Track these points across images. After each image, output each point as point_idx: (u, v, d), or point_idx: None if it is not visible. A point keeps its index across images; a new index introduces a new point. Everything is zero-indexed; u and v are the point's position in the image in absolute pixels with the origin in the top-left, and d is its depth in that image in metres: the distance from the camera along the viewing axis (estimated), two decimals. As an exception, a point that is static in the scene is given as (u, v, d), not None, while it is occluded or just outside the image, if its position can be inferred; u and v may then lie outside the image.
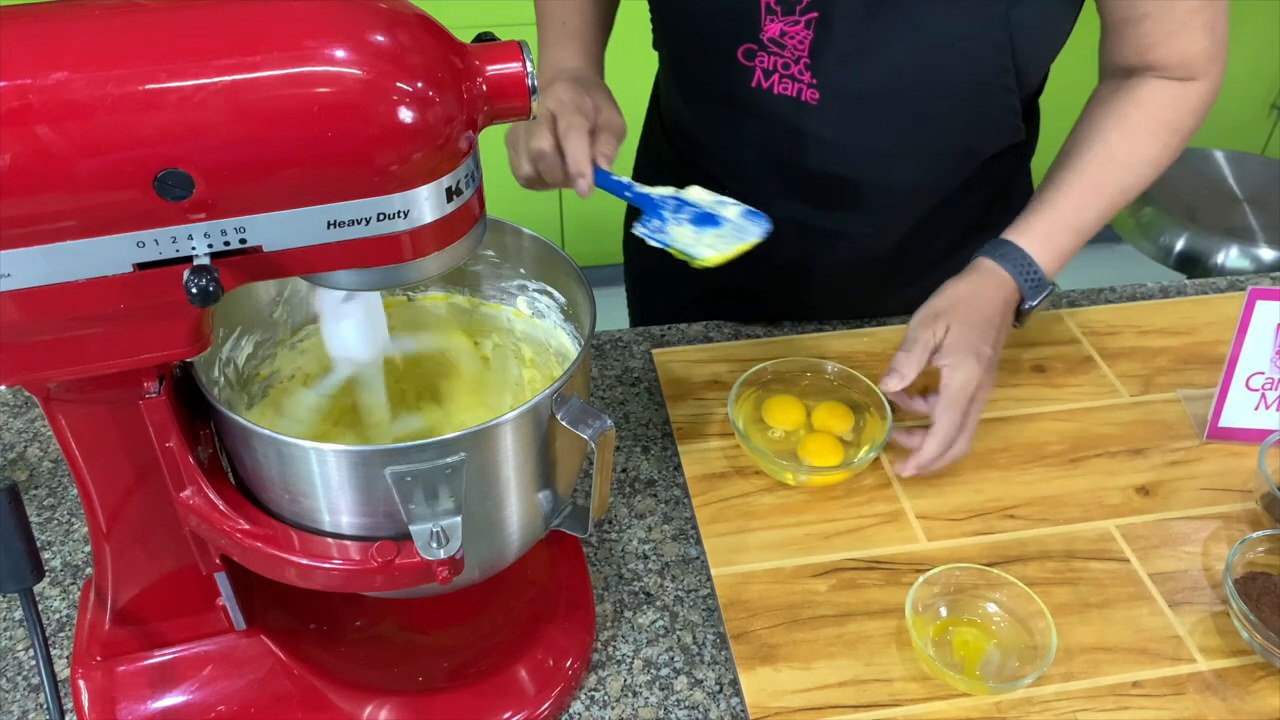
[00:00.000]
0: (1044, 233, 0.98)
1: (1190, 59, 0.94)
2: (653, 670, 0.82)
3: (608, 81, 1.02)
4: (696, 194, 0.88)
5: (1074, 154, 0.99)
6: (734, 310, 1.18)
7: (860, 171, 1.04)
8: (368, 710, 0.76)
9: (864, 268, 1.13)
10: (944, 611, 0.84)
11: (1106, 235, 2.61)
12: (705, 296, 1.22)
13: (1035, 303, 0.98)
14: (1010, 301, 0.97)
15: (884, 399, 0.98)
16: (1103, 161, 0.97)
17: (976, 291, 0.97)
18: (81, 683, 0.74)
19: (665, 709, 0.79)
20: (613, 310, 1.46)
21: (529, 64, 0.56)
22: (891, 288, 1.14)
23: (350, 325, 0.69)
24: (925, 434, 0.93)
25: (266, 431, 0.61)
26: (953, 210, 1.10)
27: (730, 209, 0.88)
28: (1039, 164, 1.10)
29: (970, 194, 1.10)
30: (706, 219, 0.87)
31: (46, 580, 0.88)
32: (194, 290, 0.52)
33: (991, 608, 0.83)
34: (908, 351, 0.94)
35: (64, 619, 0.85)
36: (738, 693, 0.80)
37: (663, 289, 1.29)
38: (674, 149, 1.18)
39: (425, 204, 0.55)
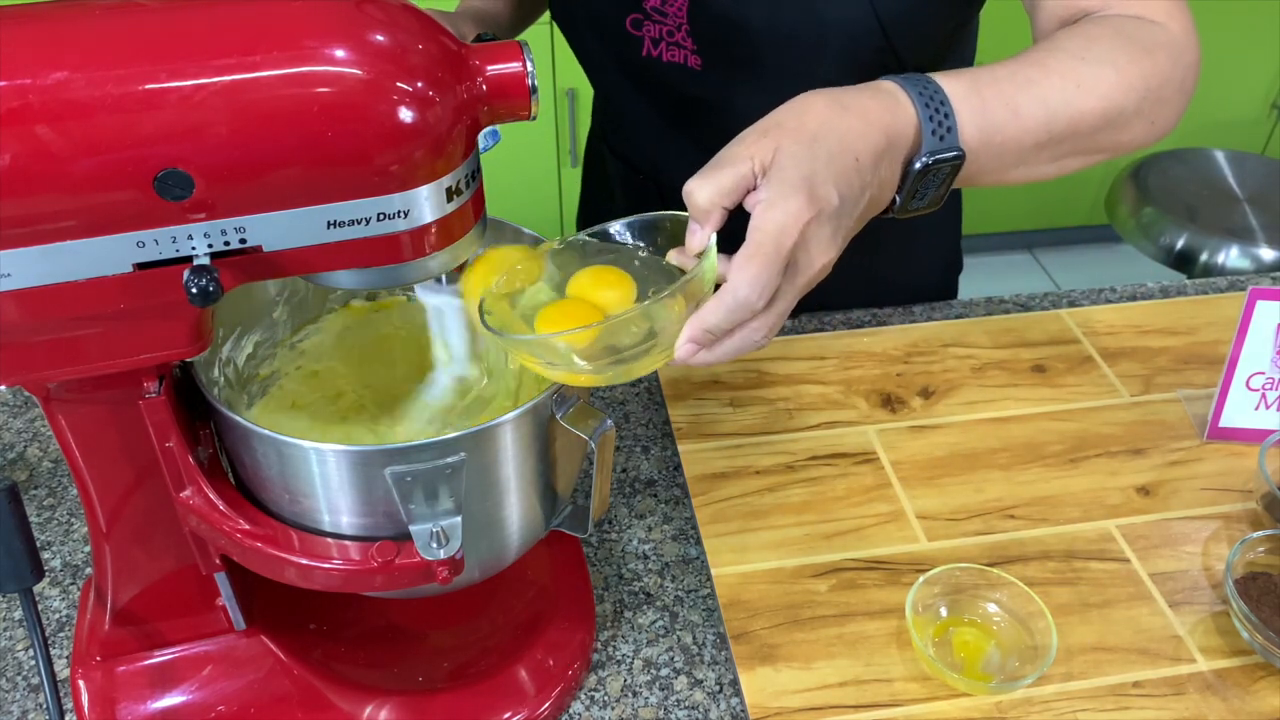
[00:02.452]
0: (969, 81, 0.72)
1: (1130, 5, 0.83)
2: (653, 670, 0.82)
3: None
4: None
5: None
6: None
7: None
8: (368, 710, 0.76)
9: None
10: (944, 612, 0.84)
11: (1106, 235, 2.61)
12: None
13: (932, 160, 0.69)
14: (898, 141, 0.69)
15: (709, 245, 0.64)
16: (1049, 51, 0.77)
17: (844, 106, 0.67)
18: (81, 683, 0.74)
19: (665, 709, 0.79)
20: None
21: (529, 64, 0.57)
22: None
23: None
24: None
25: (266, 431, 0.61)
26: None
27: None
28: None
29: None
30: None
31: (46, 580, 0.88)
32: (194, 290, 0.52)
33: (991, 608, 0.83)
34: (704, 177, 0.64)
35: (64, 619, 0.85)
36: (738, 693, 0.80)
37: None
38: (608, 146, 1.19)
39: (425, 204, 0.55)
